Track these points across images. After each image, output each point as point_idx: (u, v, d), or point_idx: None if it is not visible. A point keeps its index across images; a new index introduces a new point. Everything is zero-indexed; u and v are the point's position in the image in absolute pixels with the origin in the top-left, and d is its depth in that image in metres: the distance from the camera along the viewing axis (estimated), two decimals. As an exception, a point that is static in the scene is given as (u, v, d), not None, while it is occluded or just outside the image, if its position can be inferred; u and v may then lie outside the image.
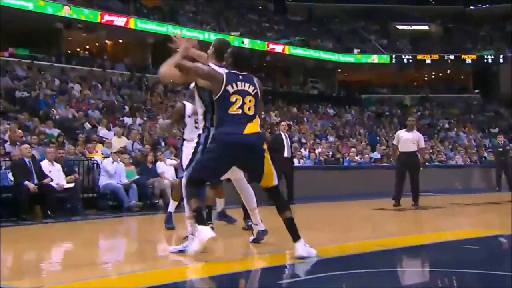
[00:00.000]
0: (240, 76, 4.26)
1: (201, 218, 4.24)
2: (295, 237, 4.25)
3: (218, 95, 4.18)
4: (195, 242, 4.19)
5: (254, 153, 4.24)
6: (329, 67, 32.20)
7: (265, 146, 4.32)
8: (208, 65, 4.36)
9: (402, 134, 9.71)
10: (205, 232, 4.10)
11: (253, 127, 4.23)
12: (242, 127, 4.17)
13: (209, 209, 6.16)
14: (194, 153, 4.45)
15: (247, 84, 4.26)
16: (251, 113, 4.23)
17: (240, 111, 4.18)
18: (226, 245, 5.23)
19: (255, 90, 4.29)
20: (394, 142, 10.08)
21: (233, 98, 4.17)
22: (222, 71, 4.29)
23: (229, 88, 4.17)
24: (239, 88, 4.20)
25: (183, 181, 4.55)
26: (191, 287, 3.88)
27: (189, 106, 5.49)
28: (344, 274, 4.00)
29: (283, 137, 10.09)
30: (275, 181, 4.37)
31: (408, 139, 9.51)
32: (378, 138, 21.84)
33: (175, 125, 6.36)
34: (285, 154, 9.96)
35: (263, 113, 14.46)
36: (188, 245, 4.41)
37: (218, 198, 6.41)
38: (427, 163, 15.67)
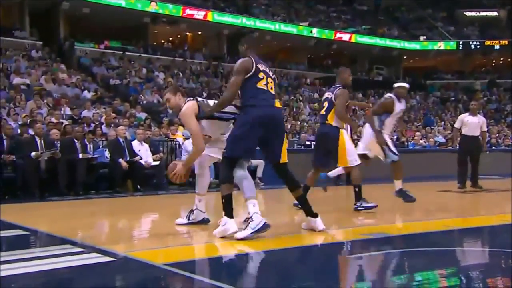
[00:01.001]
0: (261, 61, 4.26)
1: (229, 207, 4.04)
2: (311, 212, 4.26)
3: (251, 72, 4.10)
4: (218, 230, 4.07)
5: (281, 126, 4.24)
6: (395, 54, 31.05)
7: None
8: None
9: (467, 118, 9.20)
10: (230, 225, 3.98)
11: (278, 103, 4.27)
12: (272, 101, 4.17)
13: (359, 188, 5.74)
14: None
15: (267, 69, 4.25)
16: (273, 92, 4.22)
17: (266, 88, 4.14)
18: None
19: (273, 75, 4.28)
20: (456, 125, 9.58)
21: (261, 75, 4.13)
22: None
23: (259, 66, 4.15)
24: (263, 68, 4.18)
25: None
26: (254, 258, 3.89)
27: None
28: (408, 251, 3.90)
29: None
30: (286, 158, 4.23)
31: (472, 123, 9.03)
32: (433, 121, 20.95)
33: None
34: None
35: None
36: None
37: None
38: (493, 147, 14.83)
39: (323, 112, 5.91)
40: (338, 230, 4.81)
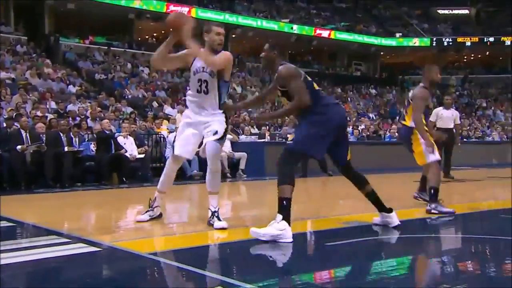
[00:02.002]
0: None
1: (287, 212, 3.51)
2: (384, 207, 4.01)
3: (302, 76, 3.81)
4: (269, 231, 3.49)
5: (346, 122, 4.07)
6: (372, 50, 31.27)
7: None
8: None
9: (441, 111, 9.34)
10: (287, 233, 3.47)
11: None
12: (334, 98, 4.00)
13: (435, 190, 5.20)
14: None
15: None
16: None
17: (320, 88, 3.92)
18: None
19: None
20: (431, 119, 9.69)
21: (309, 78, 3.88)
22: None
23: (301, 71, 3.91)
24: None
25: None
26: (239, 247, 3.90)
27: None
28: (387, 238, 3.93)
29: None
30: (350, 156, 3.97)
31: (446, 116, 9.17)
32: (396, 112, 21.32)
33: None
34: None
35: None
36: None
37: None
38: (464, 139, 15.06)
39: (403, 110, 5.55)
40: (318, 219, 4.82)
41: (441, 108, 9.56)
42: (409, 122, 5.21)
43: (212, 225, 4.09)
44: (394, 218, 3.99)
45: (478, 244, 3.76)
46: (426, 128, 5.14)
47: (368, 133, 14.17)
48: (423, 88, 5.23)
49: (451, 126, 9.21)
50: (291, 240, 3.47)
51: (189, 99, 4.32)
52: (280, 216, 3.48)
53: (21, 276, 2.92)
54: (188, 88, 4.44)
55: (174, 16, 4.28)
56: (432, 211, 4.97)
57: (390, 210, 4.00)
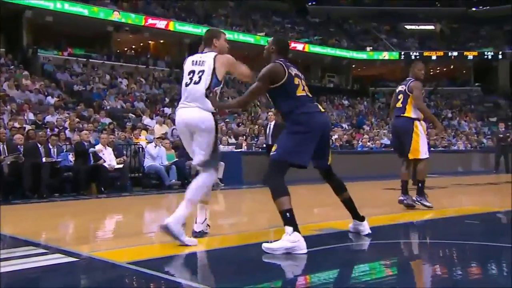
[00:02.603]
0: (289, 63, 3.76)
1: (293, 222, 3.35)
2: (358, 215, 3.96)
3: (284, 80, 3.61)
4: (282, 245, 3.33)
5: (328, 131, 3.82)
6: (344, 63, 31.80)
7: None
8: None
9: None
10: (301, 244, 3.32)
11: (321, 107, 3.81)
12: (318, 107, 3.72)
13: (422, 183, 5.61)
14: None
15: (296, 69, 3.77)
16: (311, 96, 3.75)
17: (305, 94, 3.66)
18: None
19: (303, 77, 3.81)
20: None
21: (296, 81, 3.65)
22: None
23: (291, 70, 3.67)
24: (295, 72, 3.71)
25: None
26: (216, 255, 3.88)
27: None
28: (356, 244, 3.96)
29: (267, 126, 9.82)
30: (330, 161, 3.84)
31: None
32: (364, 121, 21.79)
33: None
34: (269, 142, 9.54)
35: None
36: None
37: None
38: (432, 148, 15.35)
39: (399, 105, 5.55)
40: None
41: None
42: (411, 113, 5.41)
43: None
44: (366, 227, 3.99)
45: (445, 249, 3.82)
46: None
47: (341, 143, 14.33)
48: (416, 81, 5.48)
49: None
50: (305, 251, 3.31)
51: None
52: (290, 228, 3.34)
53: (-3, 288, 2.83)
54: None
55: None
56: (417, 202, 5.38)
57: (362, 219, 4.00)
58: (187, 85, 3.94)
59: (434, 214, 5.58)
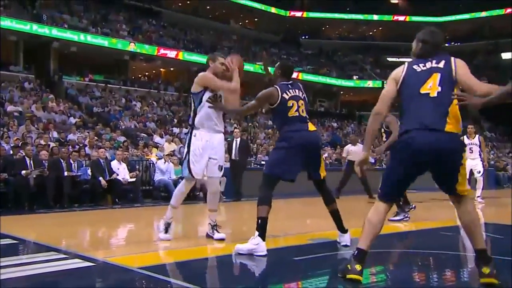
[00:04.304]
0: (289, 85, 3.85)
1: (263, 229, 3.47)
2: (342, 228, 3.92)
3: (277, 103, 3.73)
4: (247, 246, 3.46)
5: (317, 148, 3.83)
6: (334, 90, 32.08)
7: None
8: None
9: (350, 148, 10.14)
10: (260, 247, 3.43)
11: (312, 126, 3.83)
12: (306, 125, 3.76)
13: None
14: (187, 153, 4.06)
15: (296, 90, 3.83)
16: (304, 114, 3.79)
17: (297, 114, 3.73)
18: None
19: (303, 94, 3.87)
20: (344, 155, 10.59)
21: (290, 103, 3.73)
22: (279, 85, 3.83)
23: (286, 94, 3.76)
24: (292, 94, 3.78)
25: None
26: (219, 262, 3.87)
27: None
28: (343, 253, 3.95)
29: (233, 142, 9.58)
30: (324, 174, 3.86)
31: (355, 151, 9.76)
32: (339, 138, 22.08)
33: None
34: (233, 157, 9.47)
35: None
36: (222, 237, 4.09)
37: None
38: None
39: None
40: (288, 236, 4.81)
41: (350, 145, 10.35)
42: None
43: (212, 237, 4.16)
44: (346, 238, 3.92)
45: (423, 258, 3.81)
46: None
47: (331, 161, 14.36)
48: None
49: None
50: (264, 253, 3.43)
51: None
52: (256, 233, 3.46)
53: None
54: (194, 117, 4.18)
55: (238, 60, 4.25)
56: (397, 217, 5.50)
57: (345, 231, 3.96)
58: None
59: (413, 226, 5.58)
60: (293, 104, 3.74)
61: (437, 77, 2.72)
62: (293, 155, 3.63)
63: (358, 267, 2.69)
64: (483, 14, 34.26)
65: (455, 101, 2.69)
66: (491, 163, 16.32)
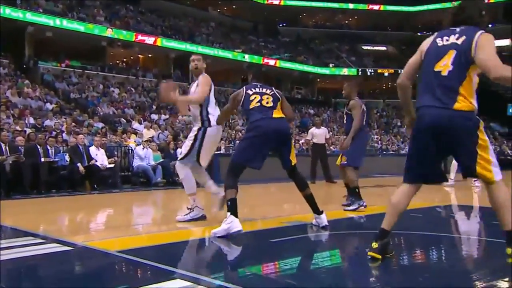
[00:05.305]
0: (258, 85, 3.98)
1: (234, 208, 3.53)
2: (317, 210, 3.96)
3: (241, 100, 3.90)
4: (222, 228, 3.51)
5: (285, 135, 3.83)
6: (310, 77, 32.17)
7: None
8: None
9: (315, 131, 10.05)
10: (235, 224, 3.48)
11: (278, 113, 3.83)
12: (269, 112, 3.78)
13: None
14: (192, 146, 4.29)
15: (263, 89, 3.94)
16: (269, 105, 3.82)
17: (259, 104, 3.81)
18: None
19: (272, 92, 3.93)
20: (308, 137, 10.58)
21: (252, 97, 3.86)
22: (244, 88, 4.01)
23: (250, 91, 3.91)
24: (256, 90, 3.91)
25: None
26: (196, 244, 3.89)
27: None
28: (320, 235, 4.03)
29: None
30: (295, 161, 3.89)
31: (319, 134, 9.84)
32: (308, 121, 22.03)
33: None
34: None
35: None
36: (193, 217, 4.34)
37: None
38: (384, 152, 15.72)
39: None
40: (265, 220, 4.87)
41: (314, 128, 10.27)
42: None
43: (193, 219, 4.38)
44: (323, 219, 4.00)
45: (393, 238, 3.92)
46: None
47: (307, 146, 14.47)
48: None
49: (323, 141, 9.90)
50: (240, 228, 3.47)
51: None
52: (228, 213, 3.53)
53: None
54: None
55: (164, 93, 4.25)
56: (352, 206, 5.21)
57: (321, 213, 4.01)
58: None
59: (384, 209, 5.70)
60: (255, 97, 3.86)
61: (452, 54, 2.58)
62: (259, 144, 3.70)
63: (374, 244, 2.86)
64: (454, 3, 34.79)
65: (470, 79, 2.54)
66: None
